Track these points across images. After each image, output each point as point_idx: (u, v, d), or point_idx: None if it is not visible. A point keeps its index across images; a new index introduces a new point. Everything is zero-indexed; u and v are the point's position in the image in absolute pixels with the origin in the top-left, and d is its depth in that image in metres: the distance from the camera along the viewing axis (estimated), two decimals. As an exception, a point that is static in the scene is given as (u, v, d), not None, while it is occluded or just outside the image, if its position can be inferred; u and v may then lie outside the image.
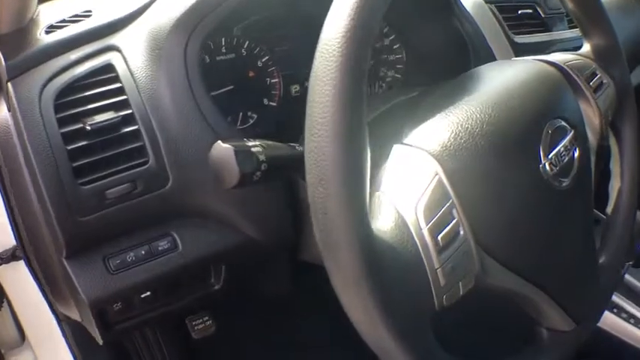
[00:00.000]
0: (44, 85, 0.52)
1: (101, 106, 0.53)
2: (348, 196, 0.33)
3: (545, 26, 0.84)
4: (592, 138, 0.56)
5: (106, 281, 0.51)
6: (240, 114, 0.68)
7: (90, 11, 0.61)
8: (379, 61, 0.80)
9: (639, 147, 0.62)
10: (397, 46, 0.81)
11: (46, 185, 0.49)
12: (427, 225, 0.38)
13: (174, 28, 0.55)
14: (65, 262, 0.51)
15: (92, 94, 0.53)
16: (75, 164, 0.50)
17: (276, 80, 0.71)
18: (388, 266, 0.36)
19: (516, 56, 0.77)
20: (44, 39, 0.57)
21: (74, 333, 0.71)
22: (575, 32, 0.91)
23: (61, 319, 0.68)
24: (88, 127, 0.51)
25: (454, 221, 0.40)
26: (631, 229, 0.62)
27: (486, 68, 0.54)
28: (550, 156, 0.46)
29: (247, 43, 0.69)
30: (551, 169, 0.46)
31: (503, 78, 0.51)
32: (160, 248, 0.53)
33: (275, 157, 0.46)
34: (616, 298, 0.83)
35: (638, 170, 0.62)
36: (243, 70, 0.68)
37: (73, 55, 0.55)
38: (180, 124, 0.53)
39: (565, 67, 0.56)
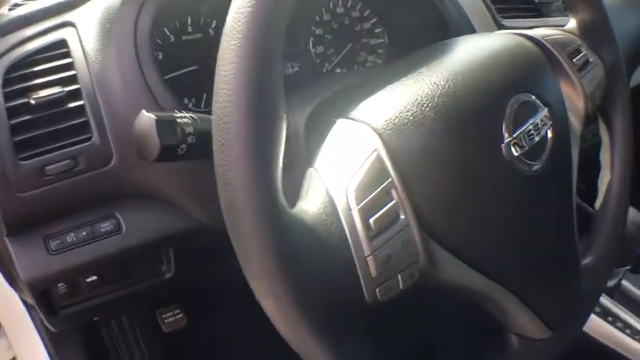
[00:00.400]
0: None
1: (49, 81, 0.52)
2: (251, 165, 0.30)
3: (538, 12, 0.79)
4: (575, 122, 0.50)
5: (45, 261, 0.50)
6: (205, 95, 0.66)
7: None
8: (360, 46, 0.76)
9: (631, 134, 0.57)
10: (379, 30, 0.77)
11: None
12: (357, 206, 0.34)
13: (125, 1, 0.53)
14: (7, 240, 0.50)
15: (42, 69, 0.53)
16: (16, 139, 0.49)
17: (245, 62, 0.68)
18: (305, 252, 0.31)
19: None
20: (5, 15, 0.56)
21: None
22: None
23: (29, 306, 0.67)
24: (33, 102, 0.50)
25: (392, 203, 0.35)
26: (621, 226, 0.56)
27: (457, 40, 0.50)
28: (515, 135, 0.41)
29: (215, 22, 0.66)
30: (516, 150, 0.41)
31: (470, 49, 0.47)
32: (102, 230, 0.52)
33: (206, 132, 0.43)
34: (611, 306, 0.76)
35: (629, 161, 0.56)
36: (209, 50, 0.66)
37: (29, 31, 0.54)
38: (127, 102, 0.52)
39: (544, 41, 0.50)
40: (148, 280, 0.57)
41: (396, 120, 0.38)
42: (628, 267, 0.76)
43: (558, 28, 0.55)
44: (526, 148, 0.41)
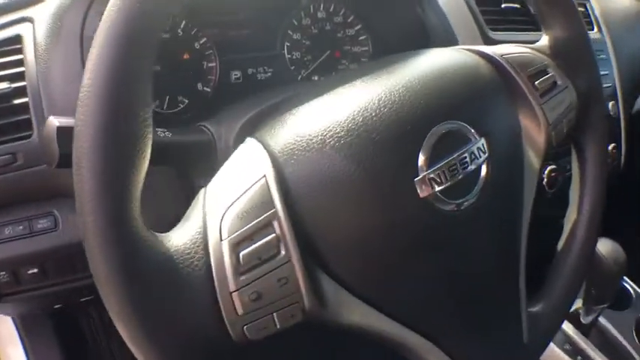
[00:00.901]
0: None
1: (5, 74, 0.53)
2: (99, 183, 0.28)
3: (535, 24, 0.73)
4: (532, 153, 0.44)
5: None
6: (167, 97, 0.65)
7: None
8: (342, 53, 0.74)
9: (604, 171, 0.50)
10: (363, 37, 0.74)
11: None
12: (229, 236, 0.31)
13: (74, 0, 0.53)
14: None
15: None
16: None
17: (213, 65, 0.67)
18: (160, 282, 0.30)
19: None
20: None
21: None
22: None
23: None
24: None
25: (270, 237, 0.32)
26: (582, 273, 0.49)
27: (401, 56, 0.45)
28: (433, 169, 0.35)
29: (184, 23, 0.65)
30: (433, 186, 0.35)
31: (407, 68, 0.41)
32: (39, 226, 0.53)
33: None
34: (584, 345, 0.70)
35: (600, 201, 0.50)
36: (176, 51, 0.65)
37: None
38: (68, 102, 0.52)
39: (501, 59, 0.45)
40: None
41: (295, 144, 0.35)
42: (605, 305, 0.69)
43: (527, 46, 0.49)
44: (447, 185, 0.36)
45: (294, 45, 0.71)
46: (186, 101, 0.66)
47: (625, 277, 0.91)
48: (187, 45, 0.66)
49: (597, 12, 0.89)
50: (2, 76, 0.53)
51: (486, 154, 0.39)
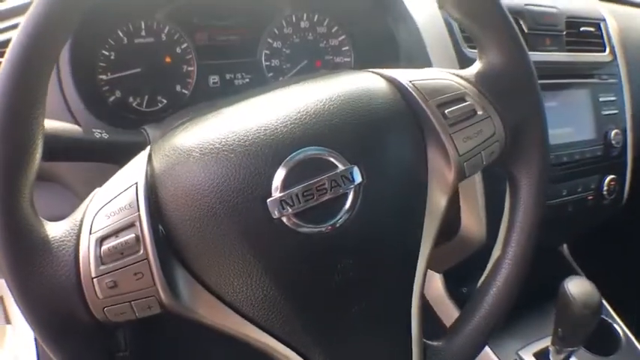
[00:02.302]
0: None
1: None
2: None
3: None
4: (436, 185, 0.43)
5: None
6: (147, 97, 0.70)
7: None
8: (323, 62, 0.75)
9: (537, 210, 0.47)
10: (346, 48, 0.75)
11: None
12: (95, 232, 0.36)
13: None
14: None
15: None
16: None
17: (192, 69, 0.71)
18: (35, 259, 0.35)
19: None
20: None
21: None
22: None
23: None
24: None
25: (131, 236, 0.36)
26: (499, 314, 0.47)
27: (320, 75, 0.46)
28: (288, 191, 0.37)
29: (168, 28, 0.70)
30: (284, 207, 0.36)
31: (306, 89, 0.42)
32: None
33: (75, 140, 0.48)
34: None
35: (529, 242, 0.47)
36: (158, 54, 0.70)
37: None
38: None
39: (408, 85, 0.43)
40: None
41: (169, 155, 0.39)
42: (575, 348, 0.66)
43: (452, 71, 0.47)
44: (301, 208, 0.37)
45: (273, 53, 0.74)
46: (165, 101, 0.71)
47: (618, 319, 0.85)
48: (169, 49, 0.70)
49: (613, 31, 0.83)
50: None
51: (356, 182, 0.38)
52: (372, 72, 0.46)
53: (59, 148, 0.47)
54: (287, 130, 0.38)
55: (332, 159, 0.38)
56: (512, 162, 0.48)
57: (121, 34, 0.68)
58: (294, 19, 0.74)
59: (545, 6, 0.77)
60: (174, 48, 0.71)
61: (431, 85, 0.45)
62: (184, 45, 0.71)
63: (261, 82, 0.74)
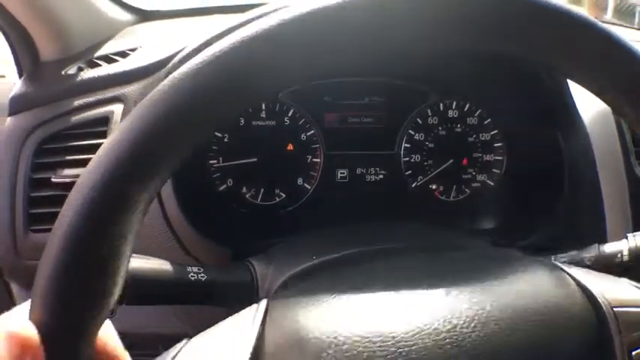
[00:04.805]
0: (35, 128, 0.52)
1: (76, 160, 0.51)
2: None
3: None
4: None
5: None
6: (262, 189, 0.59)
7: (134, 49, 0.58)
8: (469, 160, 0.62)
9: None
10: (499, 144, 0.62)
11: None
12: None
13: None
14: None
15: (74, 146, 0.52)
16: (32, 211, 0.51)
17: (318, 160, 0.60)
18: None
19: (631, 195, 0.53)
20: (61, 79, 0.56)
21: None
22: None
23: None
24: (53, 179, 0.51)
25: None
26: None
27: (498, 264, 0.33)
28: None
29: (293, 111, 0.59)
30: None
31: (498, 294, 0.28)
32: None
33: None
34: None
35: None
36: (281, 140, 0.59)
37: (78, 101, 0.53)
38: None
39: (607, 311, 0.30)
40: None
41: (288, 338, 0.26)
42: None
43: None
44: None
45: (414, 146, 0.61)
46: (283, 195, 0.60)
47: None
48: (292, 135, 0.59)
49: None
50: (80, 160, 0.51)
51: None
52: (565, 273, 0.32)
53: (143, 295, 0.35)
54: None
55: None
56: None
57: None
58: (441, 107, 0.62)
59: None
60: (299, 134, 0.60)
61: (632, 317, 0.30)
62: (311, 132, 0.59)
63: (395, 179, 0.61)
